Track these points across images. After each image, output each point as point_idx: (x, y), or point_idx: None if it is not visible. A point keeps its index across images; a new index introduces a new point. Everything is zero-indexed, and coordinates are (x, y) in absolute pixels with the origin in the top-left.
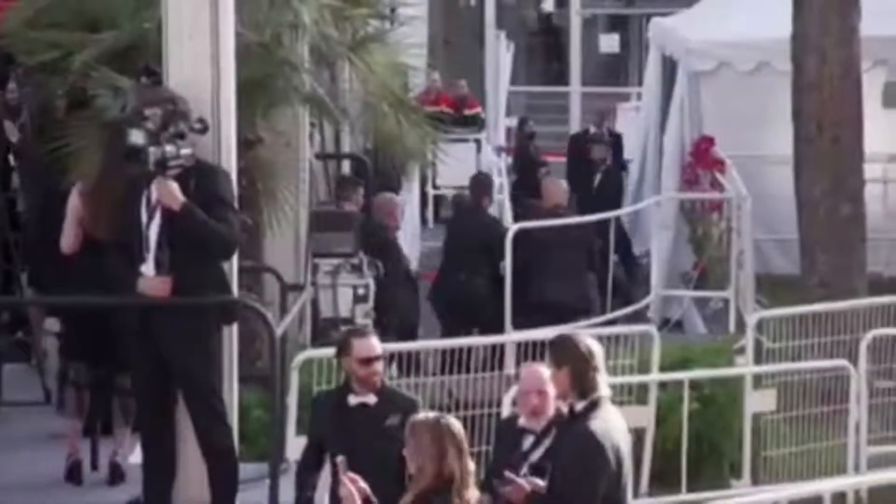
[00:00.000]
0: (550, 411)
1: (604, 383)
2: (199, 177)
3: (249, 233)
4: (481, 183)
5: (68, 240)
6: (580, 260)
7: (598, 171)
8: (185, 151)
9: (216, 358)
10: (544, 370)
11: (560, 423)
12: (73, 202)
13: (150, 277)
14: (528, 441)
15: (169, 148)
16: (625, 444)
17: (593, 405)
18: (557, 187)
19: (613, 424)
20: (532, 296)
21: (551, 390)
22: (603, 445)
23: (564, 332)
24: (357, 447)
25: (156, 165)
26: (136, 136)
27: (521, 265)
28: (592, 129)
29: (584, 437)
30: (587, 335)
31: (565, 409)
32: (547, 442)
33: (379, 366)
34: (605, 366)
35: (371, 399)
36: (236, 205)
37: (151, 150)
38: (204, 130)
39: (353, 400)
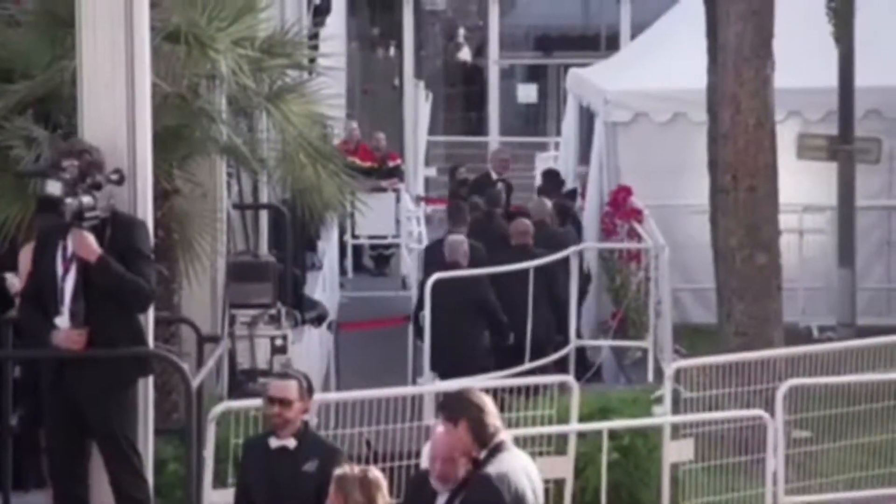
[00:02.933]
0: (460, 472)
1: (502, 428)
2: (116, 228)
3: (166, 284)
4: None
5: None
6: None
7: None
8: (101, 203)
9: (132, 410)
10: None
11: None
12: (27, 260)
13: (65, 329)
14: (442, 498)
15: (86, 199)
16: (530, 486)
17: (493, 451)
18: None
19: (513, 466)
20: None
21: (458, 454)
22: (499, 489)
23: (452, 390)
24: (275, 490)
25: (72, 216)
26: (53, 188)
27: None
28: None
29: (481, 483)
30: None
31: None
32: (460, 497)
33: (283, 408)
34: (497, 411)
35: (291, 443)
36: (153, 256)
37: (68, 201)
38: (120, 181)
39: (273, 443)
